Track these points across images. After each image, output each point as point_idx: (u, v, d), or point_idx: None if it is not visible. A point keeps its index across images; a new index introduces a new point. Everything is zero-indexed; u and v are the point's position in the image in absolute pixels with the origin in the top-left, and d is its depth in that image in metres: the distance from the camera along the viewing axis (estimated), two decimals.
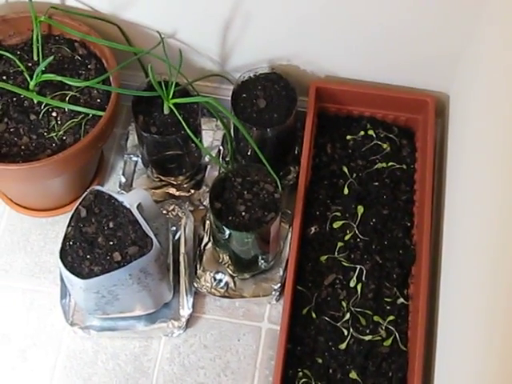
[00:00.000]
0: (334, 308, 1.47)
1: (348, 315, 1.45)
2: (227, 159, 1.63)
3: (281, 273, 1.55)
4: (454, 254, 1.40)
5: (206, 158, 1.65)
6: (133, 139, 1.68)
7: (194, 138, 1.46)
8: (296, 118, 1.54)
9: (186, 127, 1.44)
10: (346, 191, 1.56)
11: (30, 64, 1.51)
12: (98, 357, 1.52)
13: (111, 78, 1.49)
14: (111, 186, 1.69)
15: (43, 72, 1.44)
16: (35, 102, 1.46)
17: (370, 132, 1.62)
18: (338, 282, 1.49)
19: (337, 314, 1.46)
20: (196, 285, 1.54)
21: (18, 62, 1.45)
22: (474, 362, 1.14)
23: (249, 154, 1.57)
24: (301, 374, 1.42)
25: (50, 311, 1.55)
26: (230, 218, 1.39)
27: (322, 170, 1.60)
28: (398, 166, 1.60)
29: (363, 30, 1.48)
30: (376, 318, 1.46)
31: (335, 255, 1.51)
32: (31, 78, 1.44)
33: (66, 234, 1.36)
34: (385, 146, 1.61)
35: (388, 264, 1.50)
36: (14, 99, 1.47)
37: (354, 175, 1.58)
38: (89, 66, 1.52)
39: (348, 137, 1.63)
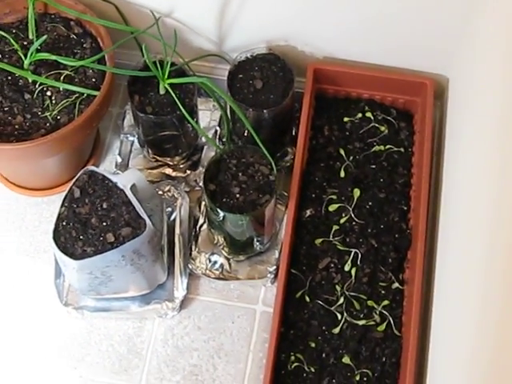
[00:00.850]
0: (328, 292, 1.46)
1: (342, 299, 1.45)
2: (224, 140, 1.62)
3: (276, 255, 1.54)
4: (450, 239, 1.39)
5: (203, 139, 1.64)
6: (129, 119, 1.67)
7: (190, 119, 1.44)
8: (293, 99, 1.52)
9: (181, 107, 1.43)
10: (342, 174, 1.55)
11: (25, 43, 1.49)
12: (92, 337, 1.52)
13: (106, 58, 1.48)
14: (107, 166, 1.68)
15: (38, 51, 1.43)
16: (30, 81, 1.45)
17: (368, 114, 1.61)
18: (332, 265, 1.48)
19: (331, 297, 1.45)
20: (191, 266, 1.54)
21: (12, 40, 1.44)
22: (468, 349, 1.13)
23: (245, 135, 1.56)
24: (293, 357, 1.41)
25: (43, 291, 1.55)
26: (224, 199, 1.38)
27: (319, 152, 1.58)
28: (395, 149, 1.59)
29: (362, 11, 1.46)
30: (370, 303, 1.45)
31: (330, 238, 1.49)
32: (26, 57, 1.43)
33: (59, 215, 1.35)
34: (382, 128, 1.60)
35: (383, 248, 1.49)
36: (9, 78, 1.46)
37: (351, 158, 1.57)
38: (84, 45, 1.51)
39: (345, 119, 1.61)
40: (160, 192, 1.58)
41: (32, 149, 1.39)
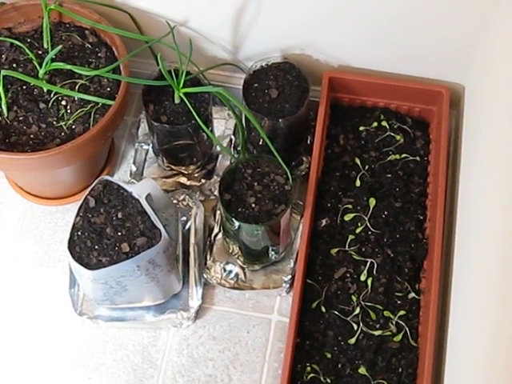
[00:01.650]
0: (344, 302, 1.45)
1: (358, 309, 1.44)
2: (239, 149, 1.62)
3: (291, 264, 1.53)
4: (466, 249, 1.38)
5: (218, 148, 1.64)
6: (144, 127, 1.67)
7: (205, 128, 1.44)
8: (308, 108, 1.52)
9: (196, 117, 1.42)
10: (358, 183, 1.55)
11: (40, 52, 1.49)
12: (107, 347, 1.51)
13: (121, 67, 1.48)
14: (122, 175, 1.68)
15: (53, 60, 1.43)
16: (45, 90, 1.45)
17: (384, 123, 1.60)
18: (348, 275, 1.47)
19: (347, 308, 1.45)
20: (206, 276, 1.53)
21: (27, 50, 1.44)
22: (485, 359, 1.13)
23: (260, 143, 1.55)
24: (309, 368, 1.41)
25: (58, 301, 1.54)
26: (240, 209, 1.38)
27: (334, 161, 1.58)
28: (411, 158, 1.58)
29: (377, 19, 1.46)
30: (386, 313, 1.44)
31: (346, 248, 1.49)
32: (41, 66, 1.43)
33: (74, 224, 1.35)
34: (398, 137, 1.59)
35: (400, 258, 1.48)
36: (24, 87, 1.46)
37: (367, 167, 1.56)
38: (99, 54, 1.51)
39: (361, 128, 1.61)
40: (175, 201, 1.58)
41: (47, 159, 1.39)
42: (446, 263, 1.47)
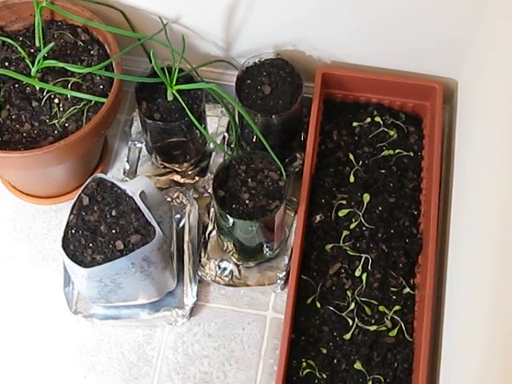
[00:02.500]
0: (339, 297, 1.45)
1: (353, 305, 1.44)
2: (232, 146, 1.62)
3: (286, 261, 1.53)
4: (461, 243, 1.38)
5: (211, 145, 1.64)
6: (137, 125, 1.66)
7: (198, 125, 1.44)
8: (301, 104, 1.52)
9: (189, 114, 1.42)
10: (351, 179, 1.55)
11: (32, 50, 1.49)
12: (102, 345, 1.51)
13: (114, 64, 1.47)
14: (115, 173, 1.67)
15: (45, 58, 1.43)
16: (37, 88, 1.45)
17: (377, 119, 1.60)
18: (343, 271, 1.47)
19: (342, 303, 1.45)
20: (200, 273, 1.53)
21: (19, 48, 1.44)
22: (480, 353, 1.13)
23: (254, 140, 1.55)
24: (305, 364, 1.41)
25: (53, 300, 1.54)
26: (234, 206, 1.37)
27: (328, 157, 1.58)
28: (405, 154, 1.58)
29: (370, 15, 1.46)
30: (381, 308, 1.44)
31: (340, 244, 1.49)
32: (33, 65, 1.42)
33: (68, 222, 1.35)
34: (392, 132, 1.59)
35: (394, 253, 1.48)
36: (16, 86, 1.45)
37: (361, 162, 1.56)
38: (91, 52, 1.50)
39: (354, 123, 1.61)
40: (168, 199, 1.57)
41: (40, 157, 1.39)
42: (440, 258, 1.47)
